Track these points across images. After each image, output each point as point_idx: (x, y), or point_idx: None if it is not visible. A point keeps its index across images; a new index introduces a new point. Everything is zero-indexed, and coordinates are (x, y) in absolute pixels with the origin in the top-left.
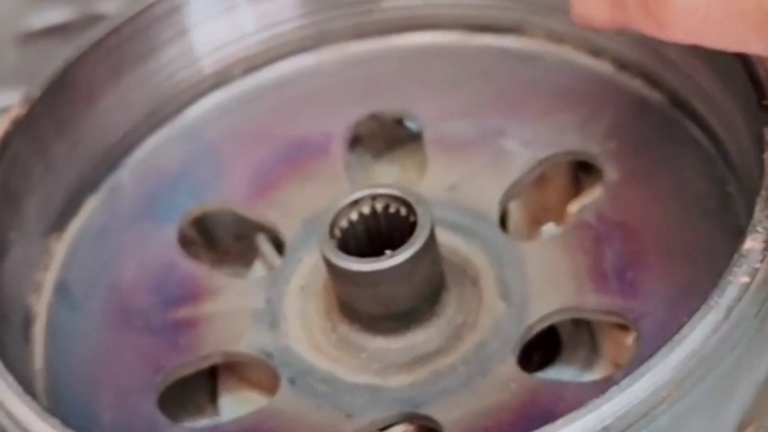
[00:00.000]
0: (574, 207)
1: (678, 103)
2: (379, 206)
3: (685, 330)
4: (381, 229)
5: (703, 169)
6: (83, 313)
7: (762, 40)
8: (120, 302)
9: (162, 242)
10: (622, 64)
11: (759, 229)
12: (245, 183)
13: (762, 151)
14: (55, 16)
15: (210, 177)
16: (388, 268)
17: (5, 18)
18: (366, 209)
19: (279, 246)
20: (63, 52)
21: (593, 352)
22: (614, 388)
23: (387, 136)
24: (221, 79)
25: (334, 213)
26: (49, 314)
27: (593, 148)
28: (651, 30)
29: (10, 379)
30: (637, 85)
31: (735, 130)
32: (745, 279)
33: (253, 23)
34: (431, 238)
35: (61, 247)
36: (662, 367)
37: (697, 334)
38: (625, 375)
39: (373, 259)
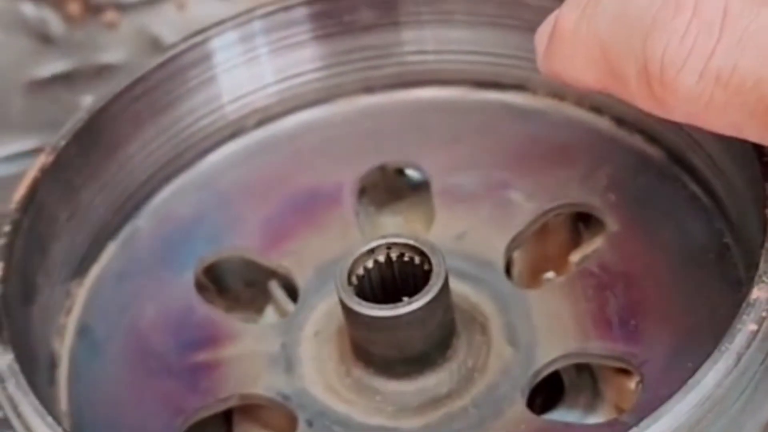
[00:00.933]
0: (575, 257)
1: (676, 159)
2: (393, 255)
3: (698, 375)
4: (395, 277)
5: (701, 221)
6: (105, 357)
7: (759, 127)
8: (140, 346)
9: (179, 287)
10: (621, 121)
11: (765, 279)
12: (259, 231)
13: (764, 206)
14: (61, 65)
15: (224, 225)
16: (406, 313)
17: (12, 67)
18: (381, 257)
19: (290, 292)
20: (68, 100)
21: (595, 395)
22: (634, 430)
23: (389, 186)
24: (237, 129)
25: (351, 261)
26: (72, 357)
27: (594, 200)
28: (649, 107)
29: (50, 419)
30: (636, 141)
31: (732, 185)
32: (753, 327)
33: (270, 76)
34: (445, 286)
35: (82, 291)
36: (678, 410)
37: (710, 379)
38: (639, 418)
39: (391, 305)
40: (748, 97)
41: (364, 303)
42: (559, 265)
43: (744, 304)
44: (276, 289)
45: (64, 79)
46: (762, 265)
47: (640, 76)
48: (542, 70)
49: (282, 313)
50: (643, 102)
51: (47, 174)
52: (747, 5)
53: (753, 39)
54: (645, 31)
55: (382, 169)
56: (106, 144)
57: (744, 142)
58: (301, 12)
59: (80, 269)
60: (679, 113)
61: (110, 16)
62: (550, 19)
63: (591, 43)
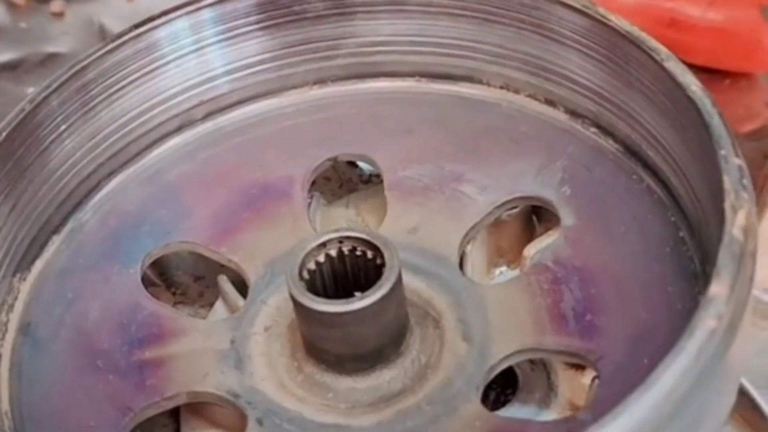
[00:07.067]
0: (529, 250)
1: (631, 151)
2: (346, 249)
3: (656, 373)
4: (347, 271)
5: (656, 214)
6: (48, 355)
7: None
8: (85, 343)
9: (125, 282)
10: (576, 114)
11: (723, 273)
12: (208, 225)
13: (722, 201)
14: (6, 54)
15: (172, 219)
16: (359, 309)
17: None
18: (333, 251)
19: (240, 287)
20: (13, 90)
21: (549, 391)
22: (594, 426)
23: (340, 179)
24: (184, 121)
25: (303, 255)
26: (14, 355)
27: (549, 193)
28: None
29: None
30: (590, 133)
31: (687, 179)
32: (712, 323)
33: (218, 67)
34: (398, 281)
35: (25, 287)
36: (636, 408)
37: (669, 376)
38: (596, 416)
39: (343, 300)
40: None
41: (315, 298)
42: (513, 259)
43: (702, 300)
44: (225, 283)
45: (9, 68)
46: (720, 260)
47: None
48: None
49: (232, 308)
50: None
51: None
52: None
53: None
54: None
55: (333, 161)
56: (49, 136)
57: (701, 135)
58: (251, 1)
59: (23, 264)
60: None
61: (56, 5)
62: None
63: None
